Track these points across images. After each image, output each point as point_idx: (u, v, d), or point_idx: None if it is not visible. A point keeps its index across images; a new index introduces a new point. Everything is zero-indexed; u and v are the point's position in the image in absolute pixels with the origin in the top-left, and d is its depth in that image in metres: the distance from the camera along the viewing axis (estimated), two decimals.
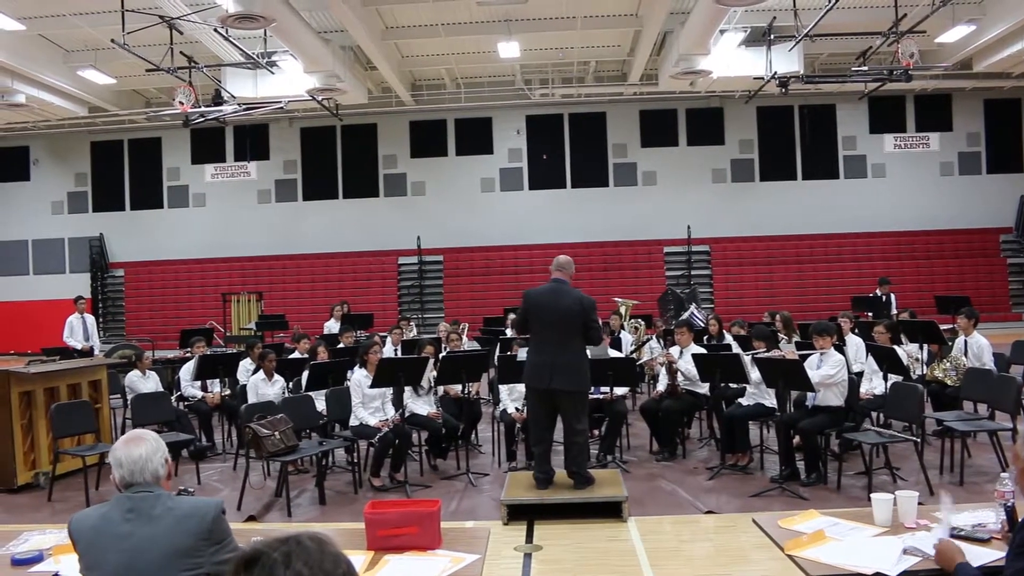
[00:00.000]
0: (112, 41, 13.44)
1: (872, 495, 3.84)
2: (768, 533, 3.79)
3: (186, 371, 10.00)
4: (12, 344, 21.40)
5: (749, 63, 16.61)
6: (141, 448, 2.77)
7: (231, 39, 13.56)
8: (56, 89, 18.36)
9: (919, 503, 3.74)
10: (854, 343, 9.56)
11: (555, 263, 6.88)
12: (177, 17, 13.13)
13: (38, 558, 3.55)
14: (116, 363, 10.97)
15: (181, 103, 14.79)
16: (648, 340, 11.69)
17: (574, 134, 22.81)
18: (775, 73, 15.22)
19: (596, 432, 8.64)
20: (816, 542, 3.47)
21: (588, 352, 6.92)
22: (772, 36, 14.92)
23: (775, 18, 14.82)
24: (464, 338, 11.58)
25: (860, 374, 8.58)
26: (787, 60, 15.91)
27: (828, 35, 15.02)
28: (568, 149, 22.87)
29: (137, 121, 22.40)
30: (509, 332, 11.49)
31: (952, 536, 3.29)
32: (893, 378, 7.72)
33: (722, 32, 15.94)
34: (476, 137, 22.88)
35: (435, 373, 8.34)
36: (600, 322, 7.65)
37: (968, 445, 7.63)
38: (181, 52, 14.27)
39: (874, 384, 8.26)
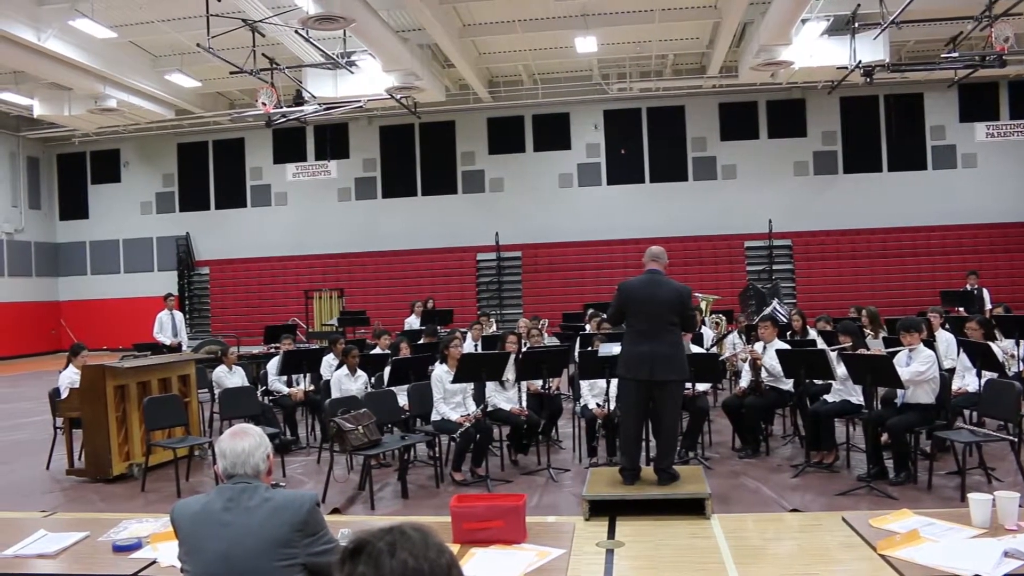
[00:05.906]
0: (198, 45, 13.84)
1: (969, 495, 3.71)
2: (859, 532, 3.70)
3: (272, 366, 10.23)
4: (105, 340, 22.23)
5: (832, 53, 16.19)
6: (245, 442, 2.89)
7: (311, 40, 13.82)
8: (145, 93, 19.02)
9: (1020, 505, 3.61)
10: (944, 339, 9.25)
11: (648, 253, 6.81)
12: (259, 20, 13.45)
13: (137, 545, 3.70)
14: (203, 358, 11.27)
15: (264, 104, 15.17)
16: (728, 334, 11.53)
17: (652, 128, 22.60)
18: (859, 62, 14.85)
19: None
20: (910, 542, 3.38)
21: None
22: (856, 24, 14.56)
23: (859, 5, 14.44)
24: (544, 334, 11.58)
25: (951, 371, 8.31)
26: (872, 48, 15.49)
27: (916, 21, 14.55)
28: (646, 143, 22.66)
29: (221, 122, 23.01)
30: (588, 328, 11.44)
31: None
32: (987, 375, 7.47)
33: (804, 22, 15.57)
34: (554, 133, 22.85)
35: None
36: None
37: None
38: (263, 54, 14.63)
39: (967, 381, 8.01)
